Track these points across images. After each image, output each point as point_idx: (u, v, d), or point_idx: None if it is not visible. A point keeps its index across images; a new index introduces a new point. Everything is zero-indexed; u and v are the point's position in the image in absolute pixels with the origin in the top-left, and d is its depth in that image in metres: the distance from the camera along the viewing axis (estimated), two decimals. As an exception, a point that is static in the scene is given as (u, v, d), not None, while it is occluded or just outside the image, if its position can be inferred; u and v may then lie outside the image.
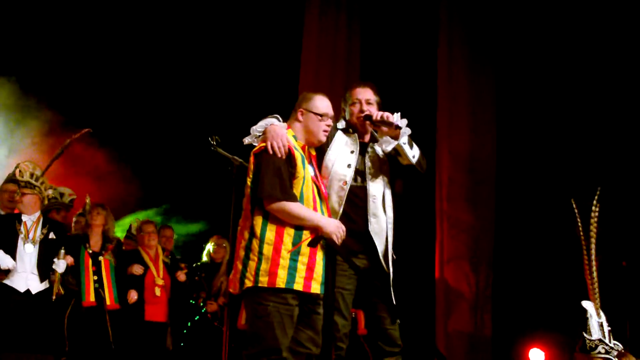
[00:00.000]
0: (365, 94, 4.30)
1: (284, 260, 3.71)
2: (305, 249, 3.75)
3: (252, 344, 3.74)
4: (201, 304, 7.20)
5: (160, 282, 6.81)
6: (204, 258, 7.58)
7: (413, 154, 4.20)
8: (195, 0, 8.76)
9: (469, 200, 8.46)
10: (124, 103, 8.54)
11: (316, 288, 3.78)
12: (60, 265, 6.05)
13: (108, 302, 6.41)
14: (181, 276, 6.94)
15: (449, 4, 8.75)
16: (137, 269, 6.69)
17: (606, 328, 5.42)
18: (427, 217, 8.36)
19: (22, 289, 5.96)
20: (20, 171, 6.15)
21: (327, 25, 8.84)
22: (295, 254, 3.73)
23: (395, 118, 4.13)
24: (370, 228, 4.14)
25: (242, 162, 4.54)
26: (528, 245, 7.92)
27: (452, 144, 8.52)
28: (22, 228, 6.06)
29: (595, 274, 5.63)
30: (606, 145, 7.62)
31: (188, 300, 7.26)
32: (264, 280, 3.69)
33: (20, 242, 6.01)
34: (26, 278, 5.98)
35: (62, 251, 6.08)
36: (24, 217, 6.12)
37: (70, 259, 6.23)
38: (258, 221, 3.75)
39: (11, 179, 6.42)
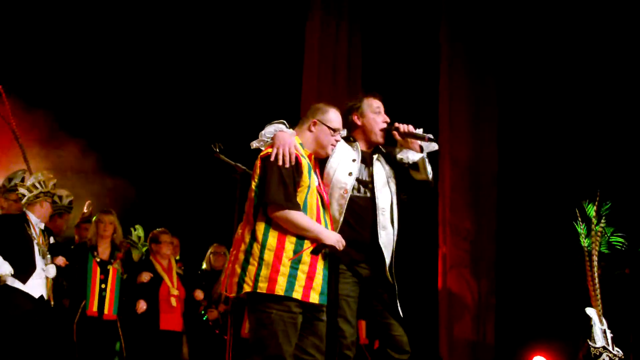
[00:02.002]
0: (382, 106, 4.36)
1: (284, 268, 3.68)
2: (306, 258, 3.73)
3: (255, 352, 3.70)
4: (202, 312, 7.20)
5: (175, 292, 6.71)
6: (204, 265, 7.59)
7: (430, 169, 4.26)
8: (198, 7, 8.80)
9: (472, 208, 8.47)
10: (125, 110, 8.55)
11: (315, 298, 3.74)
12: (50, 271, 5.97)
13: (106, 311, 6.29)
14: (199, 294, 6.87)
15: (450, 11, 8.79)
16: (145, 276, 6.56)
17: (609, 335, 5.43)
18: (430, 225, 8.37)
19: (36, 295, 5.89)
20: (44, 181, 6.18)
21: (328, 33, 8.89)
22: (296, 262, 3.70)
23: (419, 131, 4.22)
24: (380, 241, 4.12)
25: (245, 169, 4.54)
26: (530, 253, 7.93)
27: (454, 153, 8.54)
28: (33, 232, 6.01)
29: (597, 281, 5.64)
30: (608, 151, 7.63)
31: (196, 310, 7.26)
32: (262, 286, 3.66)
33: (36, 248, 5.96)
34: (41, 284, 5.92)
35: (49, 256, 6.02)
36: (37, 224, 6.09)
37: (61, 260, 6.12)
38: (260, 226, 3.74)
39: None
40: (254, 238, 3.74)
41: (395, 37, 8.78)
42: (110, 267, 6.41)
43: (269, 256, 3.69)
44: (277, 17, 8.82)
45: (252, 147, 4.03)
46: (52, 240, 6.22)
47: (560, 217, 7.60)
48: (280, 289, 3.65)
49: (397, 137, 4.26)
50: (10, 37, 8.07)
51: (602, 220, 5.74)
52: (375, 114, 4.30)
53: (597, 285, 5.70)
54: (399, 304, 4.14)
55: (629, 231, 6.53)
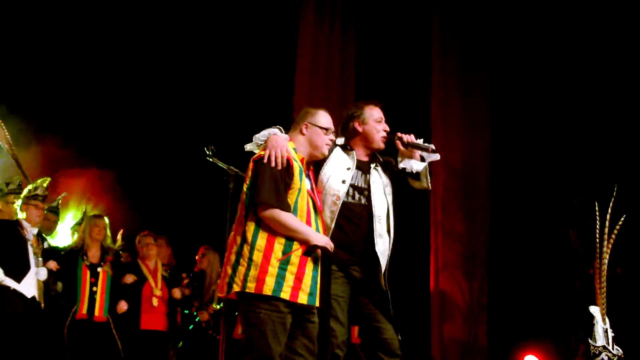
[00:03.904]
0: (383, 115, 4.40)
1: (273, 268, 3.71)
2: (295, 259, 3.75)
3: (246, 351, 3.74)
4: (194, 312, 7.25)
5: (157, 292, 6.85)
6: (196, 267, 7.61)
7: (430, 179, 4.30)
8: (190, 9, 8.77)
9: (463, 209, 8.49)
10: (117, 112, 8.53)
11: (303, 299, 3.76)
12: (40, 273, 6.08)
13: (96, 313, 6.40)
14: (176, 293, 6.97)
15: (442, 12, 8.81)
16: (129, 278, 6.71)
17: (610, 334, 5.43)
18: (422, 226, 8.38)
19: (29, 295, 5.99)
20: (36, 187, 6.28)
21: (321, 35, 8.89)
22: (284, 263, 3.73)
23: (420, 142, 4.27)
24: (377, 248, 4.16)
25: (238, 172, 4.55)
26: (522, 254, 7.94)
27: (446, 154, 8.52)
28: (27, 235, 6.13)
29: (604, 280, 5.64)
30: (602, 152, 7.64)
31: (184, 310, 7.32)
32: (251, 286, 3.69)
33: (30, 249, 6.09)
34: (33, 285, 6.02)
35: (40, 259, 6.13)
36: (29, 228, 6.18)
37: (53, 264, 6.25)
38: (250, 227, 3.77)
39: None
40: (244, 239, 3.78)
41: (389, 37, 8.79)
42: (100, 270, 6.52)
43: (257, 257, 3.72)
44: (270, 18, 8.81)
45: (245, 150, 4.07)
46: (45, 245, 6.36)
47: (552, 217, 7.64)
48: (268, 289, 3.68)
49: (400, 146, 4.31)
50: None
51: (621, 220, 5.72)
52: (376, 122, 4.34)
53: (604, 284, 5.68)
54: (391, 310, 4.17)
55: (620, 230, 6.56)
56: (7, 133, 7.12)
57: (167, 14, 8.75)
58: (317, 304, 3.85)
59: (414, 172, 4.26)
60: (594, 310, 5.49)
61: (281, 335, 3.72)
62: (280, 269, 3.72)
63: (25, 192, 6.28)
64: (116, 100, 8.56)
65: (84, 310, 6.37)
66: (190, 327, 7.28)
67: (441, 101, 8.69)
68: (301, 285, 3.75)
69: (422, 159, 4.28)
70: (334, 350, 4.06)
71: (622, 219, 5.70)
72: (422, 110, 8.54)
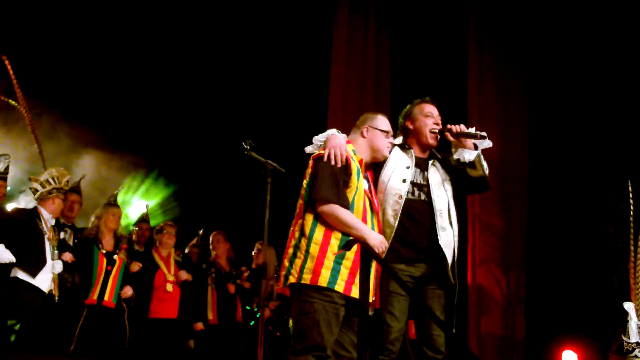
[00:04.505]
0: (436, 111, 4.46)
1: (329, 261, 3.81)
2: (350, 254, 3.85)
3: (297, 340, 3.82)
4: (255, 309, 7.32)
5: (171, 278, 6.84)
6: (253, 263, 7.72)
7: (486, 165, 4.35)
8: (229, 11, 8.90)
9: (501, 203, 8.46)
10: (158, 108, 8.68)
11: (356, 293, 3.84)
12: (56, 267, 6.06)
13: (106, 298, 6.35)
14: (183, 275, 6.90)
15: (477, 11, 8.80)
16: (135, 266, 6.67)
17: (645, 329, 5.39)
18: (459, 220, 8.36)
19: (45, 289, 5.99)
20: (58, 177, 6.29)
21: (355, 34, 8.94)
22: (340, 257, 3.84)
23: (471, 130, 4.32)
24: (441, 242, 4.23)
25: (275, 166, 4.64)
26: (560, 248, 7.91)
27: (484, 148, 8.50)
28: (44, 227, 6.10)
29: (639, 275, 5.60)
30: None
31: (246, 306, 7.41)
32: (307, 278, 3.80)
33: (47, 243, 6.07)
34: (49, 279, 6.02)
35: (56, 252, 6.11)
36: (48, 220, 6.18)
37: (68, 256, 6.22)
38: (309, 221, 3.89)
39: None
40: (302, 233, 3.90)
41: (424, 35, 8.79)
42: (116, 258, 6.51)
43: (314, 250, 3.84)
44: (306, 16, 8.89)
45: (306, 152, 4.18)
46: (62, 235, 6.32)
47: (591, 212, 7.58)
48: (323, 280, 3.79)
49: (450, 137, 4.35)
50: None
51: None
52: (425, 117, 4.41)
53: (639, 280, 5.64)
54: (455, 304, 4.27)
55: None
56: (25, 111, 7.22)
57: (207, 16, 8.89)
58: (370, 299, 3.90)
59: (467, 161, 4.32)
60: (628, 306, 5.46)
61: (334, 326, 3.82)
62: (336, 262, 3.83)
63: (51, 181, 6.22)
64: (158, 99, 8.72)
65: (95, 296, 6.30)
66: (252, 324, 7.35)
67: (478, 98, 8.68)
68: (355, 279, 3.84)
69: (475, 147, 4.33)
70: (387, 345, 4.13)
71: None
72: (459, 103, 8.54)
